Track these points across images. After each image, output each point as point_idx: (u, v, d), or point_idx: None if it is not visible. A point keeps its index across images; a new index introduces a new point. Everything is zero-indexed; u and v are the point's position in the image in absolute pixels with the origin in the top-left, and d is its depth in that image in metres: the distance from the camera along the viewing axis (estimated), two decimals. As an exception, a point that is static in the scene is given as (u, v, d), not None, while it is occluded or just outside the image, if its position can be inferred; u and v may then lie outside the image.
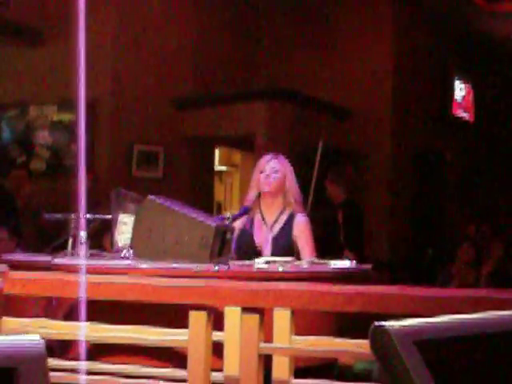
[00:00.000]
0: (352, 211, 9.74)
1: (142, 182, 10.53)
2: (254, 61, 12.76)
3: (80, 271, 4.21)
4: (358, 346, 3.84)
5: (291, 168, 6.07)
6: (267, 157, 6.12)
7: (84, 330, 3.75)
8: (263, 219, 5.95)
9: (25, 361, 1.09)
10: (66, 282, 4.15)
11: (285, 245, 5.77)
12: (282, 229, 5.89)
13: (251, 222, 5.91)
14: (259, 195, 5.93)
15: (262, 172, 5.93)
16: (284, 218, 5.91)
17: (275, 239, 5.84)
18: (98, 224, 6.24)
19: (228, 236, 5.06)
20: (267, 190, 5.90)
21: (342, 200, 9.65)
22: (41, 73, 11.06)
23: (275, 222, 5.92)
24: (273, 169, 5.94)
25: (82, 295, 3.68)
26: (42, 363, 1.12)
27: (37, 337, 1.13)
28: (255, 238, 5.86)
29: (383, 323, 1.54)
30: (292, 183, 6.00)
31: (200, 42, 12.00)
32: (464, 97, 14.69)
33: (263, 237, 5.88)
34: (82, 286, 3.71)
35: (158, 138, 11.45)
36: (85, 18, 2.76)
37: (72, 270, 4.49)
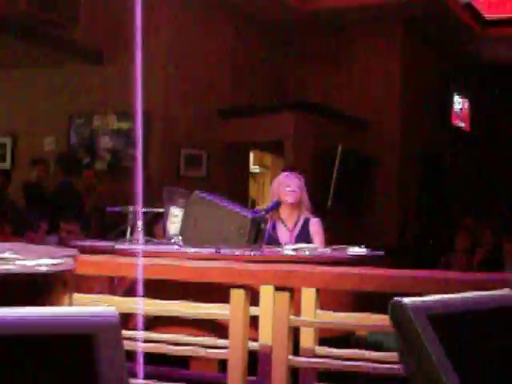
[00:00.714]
0: None
1: (188, 180, 10.55)
2: (284, 78, 12.76)
3: (137, 255, 4.22)
4: (373, 320, 3.84)
5: (304, 182, 6.20)
6: (286, 173, 6.28)
7: (141, 305, 3.77)
8: (284, 224, 6.07)
9: (102, 328, 1.10)
10: (126, 264, 4.17)
11: (305, 242, 5.84)
12: (302, 230, 6.04)
13: (273, 227, 6.00)
14: (278, 205, 6.03)
15: (286, 186, 6.04)
16: (301, 222, 6.06)
17: (297, 239, 5.94)
18: (151, 215, 6.27)
19: (262, 226, 5.06)
20: (292, 201, 6.02)
21: None
22: (103, 87, 11.11)
23: (295, 225, 6.05)
24: (294, 184, 6.04)
25: (139, 275, 3.69)
26: (117, 331, 1.13)
27: (112, 308, 1.13)
28: (280, 240, 5.94)
29: (401, 299, 1.54)
30: (305, 194, 6.15)
31: (238, 61, 12.03)
32: (461, 109, 14.66)
33: (287, 238, 5.98)
34: (139, 268, 3.72)
35: (202, 143, 11.49)
36: (141, 40, 2.76)
37: (131, 253, 4.51)
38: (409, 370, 1.55)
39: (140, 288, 3.61)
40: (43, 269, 2.31)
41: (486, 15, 12.45)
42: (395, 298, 1.54)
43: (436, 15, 11.71)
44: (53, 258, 2.56)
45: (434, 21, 11.96)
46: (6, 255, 2.34)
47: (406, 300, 1.55)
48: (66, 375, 1.10)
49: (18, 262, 2.26)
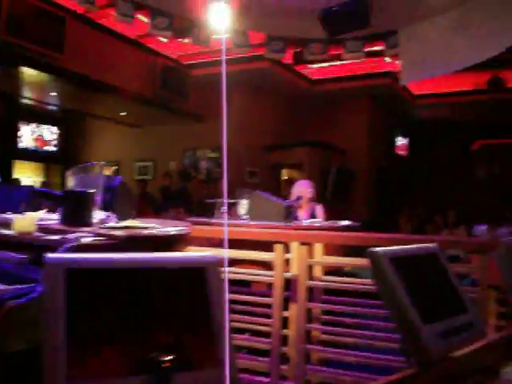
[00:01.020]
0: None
1: (250, 185, 10.53)
2: (302, 127, 12.68)
3: (223, 225, 4.21)
4: (354, 261, 3.79)
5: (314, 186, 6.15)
6: (306, 181, 6.20)
7: (226, 253, 3.75)
8: (302, 209, 6.01)
9: (210, 264, 1.09)
10: (217, 229, 4.16)
11: (313, 219, 5.80)
12: (312, 212, 6.00)
13: (296, 210, 5.97)
14: (299, 198, 5.98)
15: (308, 188, 6.01)
16: (311, 207, 6.00)
17: (309, 217, 5.92)
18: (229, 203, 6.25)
19: (291, 210, 5.04)
20: (310, 196, 5.99)
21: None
22: (202, 134, 11.16)
23: (308, 209, 6.00)
24: (312, 186, 6.02)
25: (224, 236, 3.67)
26: (219, 266, 1.12)
27: (215, 253, 1.12)
28: (300, 218, 5.94)
29: (374, 248, 1.51)
30: (314, 194, 6.06)
31: (276, 119, 12.01)
32: (402, 144, 14.48)
33: (304, 216, 5.95)
34: (225, 231, 3.70)
35: (256, 164, 11.50)
36: (224, 108, 2.73)
37: (219, 224, 4.51)
38: (379, 289, 1.52)
39: (225, 243, 3.59)
40: (173, 232, 2.31)
41: (415, 92, 12.31)
42: (371, 248, 1.51)
43: (388, 93, 11.58)
44: (178, 226, 2.56)
45: (387, 95, 11.83)
46: (153, 225, 2.35)
47: (377, 249, 1.52)
48: (190, 293, 1.09)
49: (159, 229, 2.26)
